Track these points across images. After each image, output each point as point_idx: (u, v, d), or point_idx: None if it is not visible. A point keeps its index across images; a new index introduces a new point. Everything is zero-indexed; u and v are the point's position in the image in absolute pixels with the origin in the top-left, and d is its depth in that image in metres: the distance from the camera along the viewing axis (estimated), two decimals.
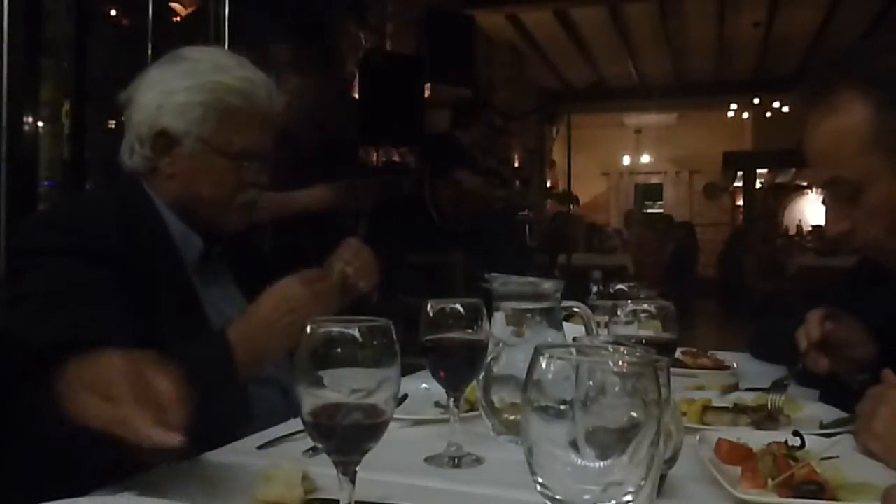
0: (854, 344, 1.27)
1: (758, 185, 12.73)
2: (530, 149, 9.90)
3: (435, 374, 1.01)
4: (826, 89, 1.09)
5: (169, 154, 1.26)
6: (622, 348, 0.61)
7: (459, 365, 1.00)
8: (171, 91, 1.25)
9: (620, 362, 0.55)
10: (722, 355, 1.81)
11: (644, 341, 1.05)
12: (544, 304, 1.08)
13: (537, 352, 0.54)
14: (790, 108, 9.05)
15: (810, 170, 1.14)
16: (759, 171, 12.55)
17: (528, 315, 1.07)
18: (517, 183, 7.67)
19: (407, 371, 0.89)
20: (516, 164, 8.35)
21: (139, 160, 1.28)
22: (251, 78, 1.29)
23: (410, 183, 3.93)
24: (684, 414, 1.17)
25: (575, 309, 1.11)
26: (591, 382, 0.52)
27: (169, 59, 1.30)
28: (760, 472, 0.87)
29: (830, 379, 1.23)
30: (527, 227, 6.86)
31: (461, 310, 0.99)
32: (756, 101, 11.20)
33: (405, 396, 1.19)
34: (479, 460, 0.98)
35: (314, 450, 0.96)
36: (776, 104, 10.72)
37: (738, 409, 1.21)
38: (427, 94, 4.91)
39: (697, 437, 0.99)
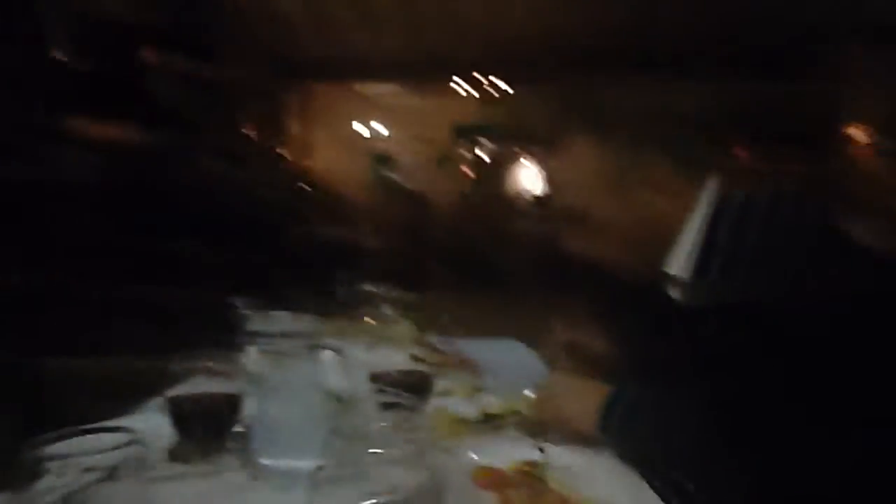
0: (593, 344, 1.44)
1: (485, 157, 13.60)
2: (265, 120, 9.54)
3: None
4: (559, 130, 1.20)
5: None
6: None
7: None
8: None
9: None
10: (468, 348, 1.90)
11: (401, 376, 1.04)
12: (298, 343, 1.04)
13: None
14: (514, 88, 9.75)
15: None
16: (488, 143, 13.39)
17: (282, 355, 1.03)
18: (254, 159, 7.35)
19: None
20: (251, 138, 7.99)
21: None
22: None
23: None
24: (434, 430, 1.21)
25: (330, 351, 1.08)
26: None
27: None
28: (516, 501, 0.92)
29: None
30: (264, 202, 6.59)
31: None
32: (485, 77, 11.87)
33: None
34: None
35: None
36: (503, 84, 11.46)
37: (486, 420, 1.28)
38: (153, 62, 4.46)
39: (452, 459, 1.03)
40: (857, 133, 7.22)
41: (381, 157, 13.99)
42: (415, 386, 0.98)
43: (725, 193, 1.16)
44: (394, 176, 13.29)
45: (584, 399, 1.12)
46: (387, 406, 0.88)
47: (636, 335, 1.32)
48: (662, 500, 0.93)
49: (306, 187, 9.37)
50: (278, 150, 10.35)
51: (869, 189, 6.96)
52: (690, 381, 1.08)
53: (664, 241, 1.19)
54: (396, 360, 1.08)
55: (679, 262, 1.18)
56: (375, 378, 0.99)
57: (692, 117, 1.28)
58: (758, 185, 1.22)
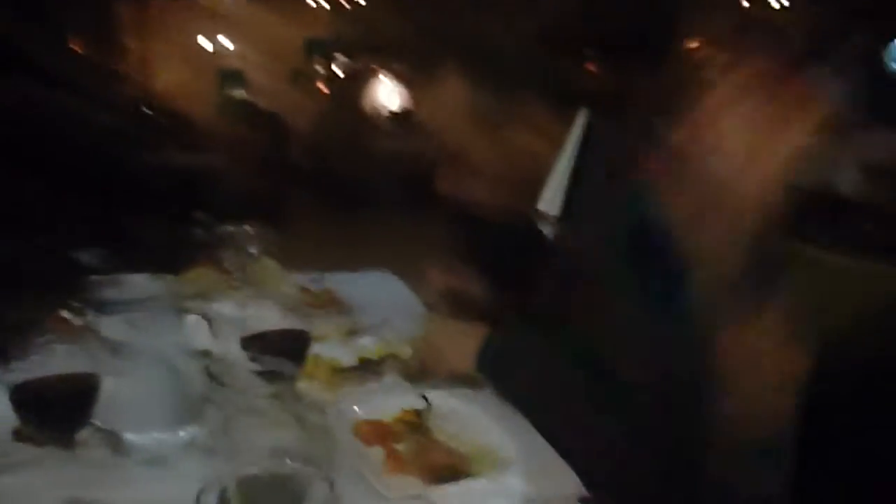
0: (467, 286, 1.43)
1: (339, 72, 13.19)
2: (95, 33, 8.66)
3: None
4: (428, 63, 1.14)
5: None
6: None
7: None
8: None
9: None
10: (336, 285, 1.84)
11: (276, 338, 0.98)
12: (159, 307, 0.95)
13: None
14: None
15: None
16: (340, 57, 12.95)
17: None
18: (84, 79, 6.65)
19: None
20: (79, 54, 7.22)
21: None
22: None
23: None
24: (312, 380, 1.17)
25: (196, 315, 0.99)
26: None
27: None
28: (402, 456, 0.91)
29: None
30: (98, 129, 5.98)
31: None
32: None
33: None
34: None
35: None
36: None
37: (365, 367, 1.25)
38: None
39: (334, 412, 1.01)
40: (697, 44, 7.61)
41: (228, 75, 13.21)
42: (291, 348, 0.93)
43: (590, 127, 1.16)
44: (244, 94, 12.63)
45: (462, 341, 1.11)
46: (263, 374, 0.82)
47: (508, 272, 1.32)
48: (547, 440, 0.95)
49: (146, 110, 8.67)
50: (112, 68, 9.47)
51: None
52: (564, 322, 1.10)
53: (536, 178, 1.18)
54: (269, 317, 1.02)
55: (550, 200, 1.18)
56: (248, 343, 0.93)
57: (552, 35, 1.24)
58: (617, 114, 1.23)
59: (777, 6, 7.18)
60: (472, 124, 1.13)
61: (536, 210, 1.20)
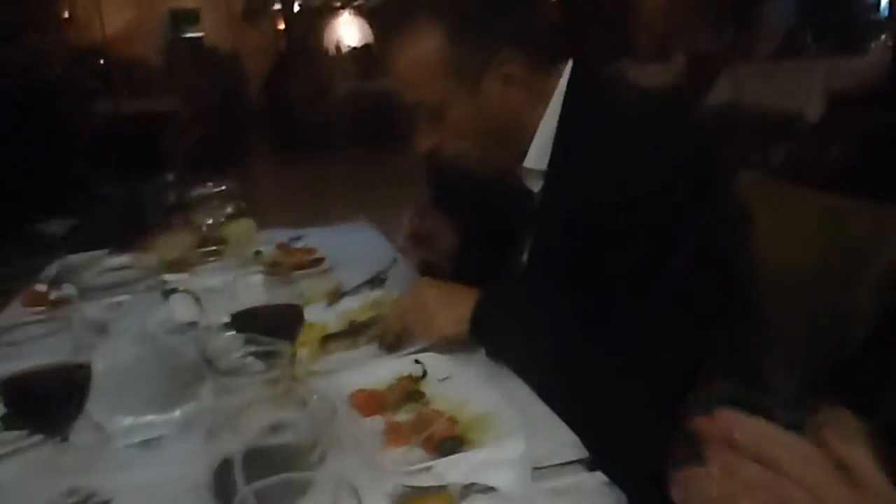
0: (439, 235, 1.42)
1: (296, 8, 12.76)
2: None
3: None
4: (402, 16, 1.09)
5: None
6: None
7: None
8: None
9: None
10: (315, 243, 1.81)
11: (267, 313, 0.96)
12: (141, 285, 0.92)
13: None
14: None
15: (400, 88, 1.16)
16: None
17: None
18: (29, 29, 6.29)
19: None
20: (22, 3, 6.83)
21: None
22: None
23: None
24: (303, 347, 1.15)
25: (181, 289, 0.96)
26: None
27: None
28: (402, 427, 0.91)
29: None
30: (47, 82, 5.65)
31: None
32: None
33: None
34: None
35: None
36: None
37: (355, 330, 1.24)
38: None
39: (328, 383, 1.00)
40: None
41: (180, 14, 12.69)
42: (284, 325, 0.91)
43: (574, 82, 1.14)
44: (198, 34, 12.15)
45: (455, 305, 1.10)
46: (256, 353, 0.80)
47: (494, 230, 1.30)
48: (543, 401, 0.95)
49: (95, 57, 8.27)
50: (58, 16, 9.00)
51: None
52: (552, 278, 1.09)
53: (520, 133, 1.16)
54: (252, 284, 0.99)
55: (536, 156, 1.15)
56: (239, 322, 0.90)
57: None
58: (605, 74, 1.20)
59: None
60: (450, 77, 1.09)
61: (523, 167, 1.17)
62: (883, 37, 6.00)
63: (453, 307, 1.10)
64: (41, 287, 1.34)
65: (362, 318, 1.27)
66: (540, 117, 1.14)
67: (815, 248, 1.18)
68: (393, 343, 1.15)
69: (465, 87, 1.10)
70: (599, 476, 0.80)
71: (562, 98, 1.13)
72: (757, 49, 6.37)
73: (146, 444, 0.92)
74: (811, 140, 4.87)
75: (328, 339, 1.19)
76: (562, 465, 0.83)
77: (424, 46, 1.09)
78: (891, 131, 4.91)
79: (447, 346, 1.09)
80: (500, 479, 0.78)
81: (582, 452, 0.84)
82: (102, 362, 0.89)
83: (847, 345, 1.02)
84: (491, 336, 1.08)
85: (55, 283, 1.30)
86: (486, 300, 1.09)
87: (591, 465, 0.83)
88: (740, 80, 5.20)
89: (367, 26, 11.88)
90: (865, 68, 5.11)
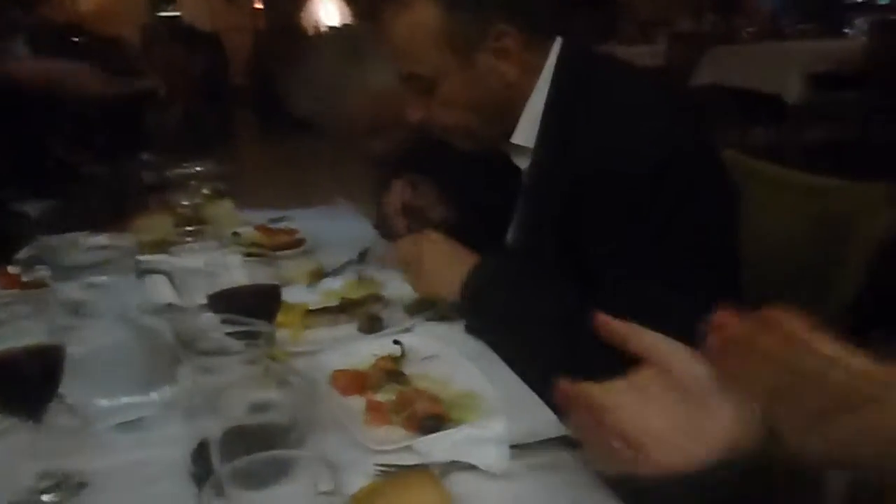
0: (429, 207, 1.41)
1: None
2: None
3: None
4: None
5: None
6: None
7: None
8: None
9: None
10: (296, 224, 1.80)
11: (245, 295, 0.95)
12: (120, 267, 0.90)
13: None
14: None
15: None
16: None
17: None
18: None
19: None
20: None
21: None
22: None
23: None
24: (284, 328, 1.14)
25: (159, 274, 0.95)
26: None
27: None
28: (383, 406, 0.90)
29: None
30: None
31: None
32: None
33: None
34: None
35: None
36: None
37: (337, 307, 1.23)
38: None
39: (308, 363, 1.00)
40: None
41: None
42: (264, 306, 0.90)
43: (563, 59, 1.13)
44: (178, 14, 11.97)
45: (453, 266, 1.11)
46: (235, 334, 0.80)
47: (483, 205, 1.30)
48: (524, 381, 0.95)
49: (74, 38, 8.09)
50: None
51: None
52: (539, 255, 1.09)
53: (511, 108, 1.15)
54: (232, 265, 0.98)
55: (525, 131, 1.15)
56: (217, 303, 0.89)
57: None
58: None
59: None
60: (444, 49, 1.08)
61: (511, 143, 1.17)
62: (862, 19, 6.04)
63: (451, 268, 1.11)
64: (14, 269, 1.32)
65: (341, 297, 1.27)
66: (529, 92, 1.13)
67: (794, 226, 1.19)
68: (371, 328, 1.15)
69: (459, 59, 1.10)
70: (578, 454, 0.80)
71: (550, 75, 1.12)
72: (739, 31, 6.39)
73: (125, 426, 0.91)
74: (791, 121, 4.90)
75: (310, 315, 1.18)
76: (541, 442, 0.83)
77: (420, 17, 1.08)
78: (870, 113, 4.94)
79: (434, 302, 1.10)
80: (481, 456, 0.78)
81: (561, 430, 0.84)
82: (80, 344, 0.88)
83: (827, 320, 1.02)
84: (477, 305, 1.09)
85: (28, 264, 1.28)
86: (476, 270, 1.10)
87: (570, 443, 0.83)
88: (723, 62, 5.22)
89: (345, 6, 11.73)
90: (845, 51, 5.15)
